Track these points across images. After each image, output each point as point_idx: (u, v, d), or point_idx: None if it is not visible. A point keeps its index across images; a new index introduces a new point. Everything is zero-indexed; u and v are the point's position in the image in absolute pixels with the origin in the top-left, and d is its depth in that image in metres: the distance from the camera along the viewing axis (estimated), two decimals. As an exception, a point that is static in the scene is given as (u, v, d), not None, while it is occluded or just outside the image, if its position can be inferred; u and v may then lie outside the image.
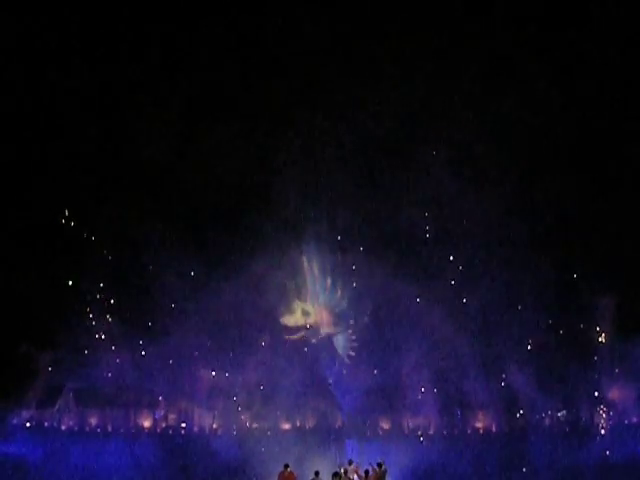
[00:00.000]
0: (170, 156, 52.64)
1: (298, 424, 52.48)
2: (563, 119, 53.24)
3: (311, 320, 55.76)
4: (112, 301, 52.34)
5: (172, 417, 55.07)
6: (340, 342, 56.29)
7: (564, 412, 55.08)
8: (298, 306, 55.79)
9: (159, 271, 50.61)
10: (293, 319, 55.58)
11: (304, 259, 55.46)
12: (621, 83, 53.90)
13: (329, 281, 56.11)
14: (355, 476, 27.40)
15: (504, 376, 52.01)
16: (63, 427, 52.76)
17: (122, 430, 52.45)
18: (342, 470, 27.82)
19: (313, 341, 55.35)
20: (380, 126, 52.47)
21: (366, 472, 27.14)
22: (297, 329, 55.42)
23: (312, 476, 26.99)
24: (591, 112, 53.25)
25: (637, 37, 53.15)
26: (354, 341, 55.90)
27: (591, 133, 53.46)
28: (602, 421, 54.00)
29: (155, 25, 54.76)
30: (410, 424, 53.12)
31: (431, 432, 52.09)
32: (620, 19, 53.56)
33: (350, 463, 28.31)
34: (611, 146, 53.45)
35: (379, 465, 27.51)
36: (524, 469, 47.78)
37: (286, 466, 27.30)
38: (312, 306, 56.10)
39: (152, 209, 51.62)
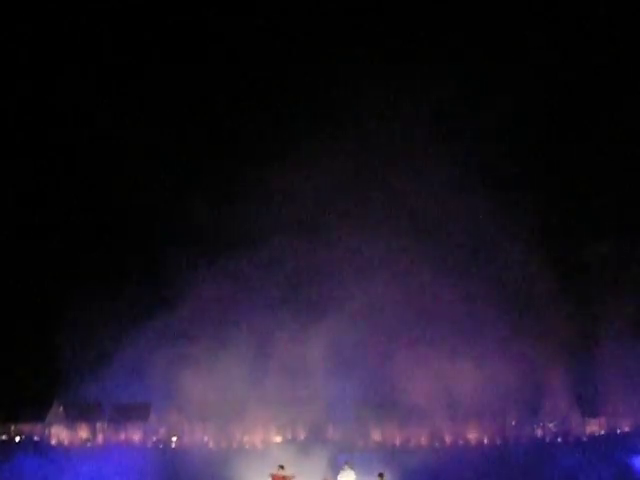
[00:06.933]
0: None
1: (289, 436, 52.21)
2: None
3: None
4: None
5: (162, 431, 54.75)
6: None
7: (555, 422, 55.22)
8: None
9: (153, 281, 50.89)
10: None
11: None
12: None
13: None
14: None
15: (496, 387, 51.89)
16: (53, 442, 52.41)
17: (113, 444, 52.04)
18: None
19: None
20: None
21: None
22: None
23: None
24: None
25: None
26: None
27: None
28: (595, 430, 54.23)
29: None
30: (401, 436, 52.94)
31: (423, 444, 51.89)
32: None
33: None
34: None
35: (380, 475, 27.19)
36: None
37: (281, 467, 26.76)
38: None
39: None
